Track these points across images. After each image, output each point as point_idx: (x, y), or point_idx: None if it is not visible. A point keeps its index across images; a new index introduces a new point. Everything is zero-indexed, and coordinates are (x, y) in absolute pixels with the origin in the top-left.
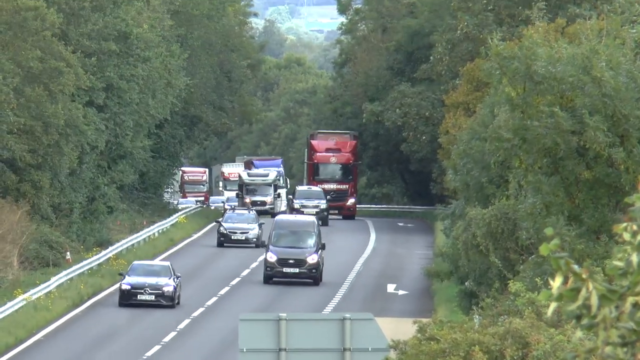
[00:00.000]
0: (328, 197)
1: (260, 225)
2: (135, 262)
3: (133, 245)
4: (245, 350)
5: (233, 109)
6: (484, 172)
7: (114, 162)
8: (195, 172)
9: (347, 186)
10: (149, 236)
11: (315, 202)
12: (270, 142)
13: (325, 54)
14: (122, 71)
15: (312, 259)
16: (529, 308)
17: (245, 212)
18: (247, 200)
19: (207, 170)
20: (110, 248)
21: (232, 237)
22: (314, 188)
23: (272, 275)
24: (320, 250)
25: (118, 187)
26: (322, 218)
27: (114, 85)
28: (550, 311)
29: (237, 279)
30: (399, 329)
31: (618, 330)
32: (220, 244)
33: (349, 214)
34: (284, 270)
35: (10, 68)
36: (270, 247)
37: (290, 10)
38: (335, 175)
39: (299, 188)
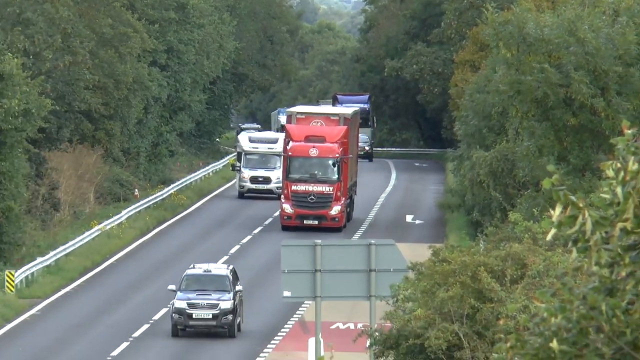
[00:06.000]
0: (308, 199)
1: None
2: None
3: (191, 182)
4: (286, 271)
5: (275, 67)
6: (484, 122)
7: (174, 112)
8: None
9: (331, 188)
10: (205, 175)
11: (213, 299)
12: (307, 96)
13: (353, 20)
14: (181, 36)
15: None
16: (527, 235)
17: None
18: (245, 175)
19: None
20: (172, 185)
21: None
22: (216, 270)
23: None
24: None
25: (178, 134)
26: (228, 326)
27: (174, 48)
28: (549, 236)
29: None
30: (416, 252)
31: (608, 252)
32: None
33: (333, 226)
34: None
35: (86, 34)
36: None
37: None
38: (315, 173)
39: (189, 272)
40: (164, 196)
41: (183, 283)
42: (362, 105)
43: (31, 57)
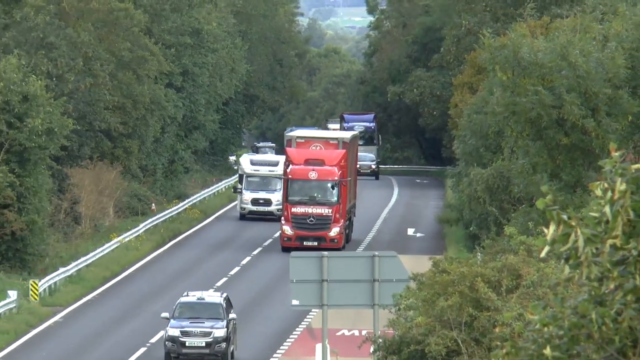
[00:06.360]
0: (307, 221)
1: None
2: None
3: (205, 198)
4: (295, 281)
5: (284, 89)
6: (481, 141)
7: (189, 131)
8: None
9: (330, 211)
10: (217, 191)
11: (206, 327)
12: (314, 116)
13: (358, 45)
14: (195, 60)
15: None
16: (521, 247)
17: None
18: (247, 197)
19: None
20: (187, 200)
21: None
22: (209, 297)
23: None
24: None
25: (193, 152)
26: (221, 354)
27: (189, 71)
28: (543, 253)
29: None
30: (417, 264)
31: (597, 266)
32: None
33: (331, 247)
34: None
35: (106, 57)
36: None
37: (329, 10)
38: (314, 195)
39: (182, 299)
40: (179, 210)
41: (176, 311)
42: (367, 124)
43: (54, 79)
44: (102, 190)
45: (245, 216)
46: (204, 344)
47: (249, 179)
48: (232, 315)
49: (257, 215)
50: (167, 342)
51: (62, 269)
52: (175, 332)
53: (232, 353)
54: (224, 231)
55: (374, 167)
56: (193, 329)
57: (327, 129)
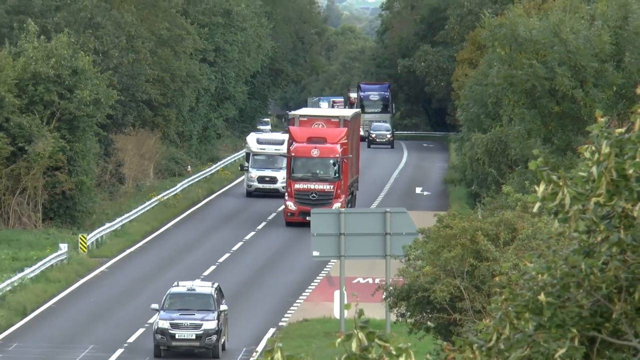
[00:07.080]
0: (310, 197)
1: None
2: None
3: (235, 160)
4: (315, 234)
5: (305, 64)
6: (482, 109)
7: (221, 102)
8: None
9: (332, 187)
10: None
11: (196, 319)
12: (332, 87)
13: (371, 24)
14: (226, 37)
15: None
16: (517, 204)
17: None
18: (253, 175)
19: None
20: (219, 163)
21: None
22: (200, 288)
23: None
24: None
25: (224, 120)
26: (211, 346)
27: (221, 47)
28: (535, 208)
29: None
30: (424, 219)
31: (584, 221)
32: None
33: None
34: None
35: (147, 35)
36: None
37: None
38: (317, 172)
39: (172, 290)
40: (212, 172)
41: (166, 302)
42: (382, 93)
43: (100, 55)
44: (143, 154)
45: (252, 193)
46: (194, 337)
47: (256, 157)
48: (223, 307)
49: (263, 192)
50: (156, 334)
51: (107, 224)
52: (165, 324)
53: (223, 345)
54: (226, 208)
55: (389, 136)
56: (183, 321)
57: (348, 96)
